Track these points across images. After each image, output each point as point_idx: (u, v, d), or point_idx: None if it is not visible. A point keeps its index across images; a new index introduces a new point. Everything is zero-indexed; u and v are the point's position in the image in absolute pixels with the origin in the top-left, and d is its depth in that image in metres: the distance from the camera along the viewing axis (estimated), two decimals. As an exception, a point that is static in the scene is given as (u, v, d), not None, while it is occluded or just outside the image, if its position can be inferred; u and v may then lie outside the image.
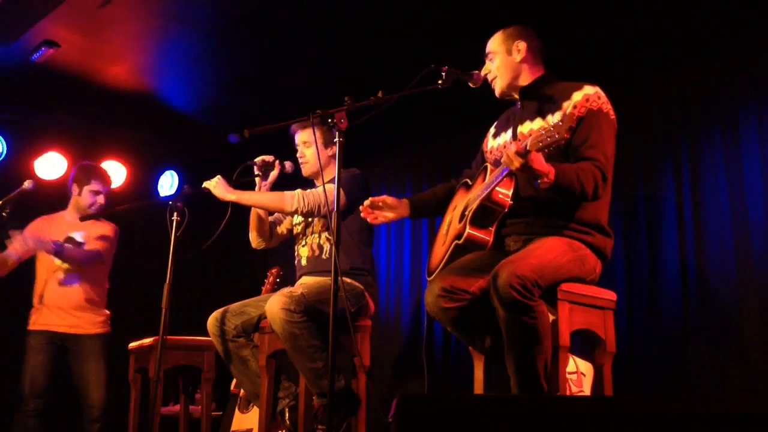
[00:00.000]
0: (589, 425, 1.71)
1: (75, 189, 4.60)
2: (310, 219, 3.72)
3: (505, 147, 2.91)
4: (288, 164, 3.76)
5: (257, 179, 3.71)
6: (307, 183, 3.83)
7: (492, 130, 3.17)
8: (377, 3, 4.28)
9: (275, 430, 3.57)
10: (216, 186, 3.54)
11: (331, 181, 3.56)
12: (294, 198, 3.50)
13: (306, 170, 3.76)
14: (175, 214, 3.57)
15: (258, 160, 3.71)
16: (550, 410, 1.73)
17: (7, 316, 5.05)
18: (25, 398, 4.31)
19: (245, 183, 3.68)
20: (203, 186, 3.59)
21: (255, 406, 4.09)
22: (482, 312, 2.69)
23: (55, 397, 4.48)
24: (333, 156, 3.67)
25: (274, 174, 3.72)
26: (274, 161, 3.72)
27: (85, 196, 4.57)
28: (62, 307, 4.43)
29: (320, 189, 3.53)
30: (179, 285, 4.54)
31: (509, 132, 2.98)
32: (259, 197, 3.64)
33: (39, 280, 4.52)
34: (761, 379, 3.65)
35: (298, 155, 3.77)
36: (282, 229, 3.88)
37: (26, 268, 4.51)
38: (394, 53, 4.70)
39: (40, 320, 4.44)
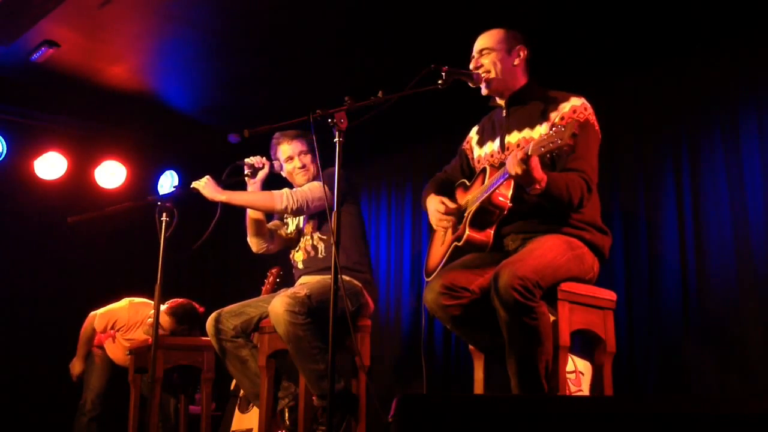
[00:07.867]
0: (589, 425, 1.71)
1: None
2: (301, 225, 3.72)
3: (510, 153, 2.91)
4: (277, 163, 3.76)
5: (247, 179, 3.70)
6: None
7: (474, 136, 3.16)
8: (377, 3, 4.28)
9: (275, 430, 3.57)
10: (205, 186, 3.51)
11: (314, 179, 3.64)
12: (283, 196, 3.49)
13: (299, 179, 3.73)
14: (164, 214, 3.51)
15: (247, 160, 3.70)
16: (550, 410, 1.73)
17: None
18: None
19: (235, 183, 3.64)
20: (192, 186, 3.55)
21: (255, 406, 4.09)
22: (482, 310, 2.70)
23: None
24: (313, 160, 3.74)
25: (263, 173, 3.71)
26: (263, 161, 3.72)
27: None
28: None
29: (305, 187, 3.57)
30: (179, 286, 4.57)
31: (496, 141, 2.97)
32: (249, 197, 3.62)
33: None
34: (761, 380, 3.65)
35: (288, 169, 3.74)
36: (284, 232, 3.83)
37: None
38: (394, 53, 4.69)
39: None
